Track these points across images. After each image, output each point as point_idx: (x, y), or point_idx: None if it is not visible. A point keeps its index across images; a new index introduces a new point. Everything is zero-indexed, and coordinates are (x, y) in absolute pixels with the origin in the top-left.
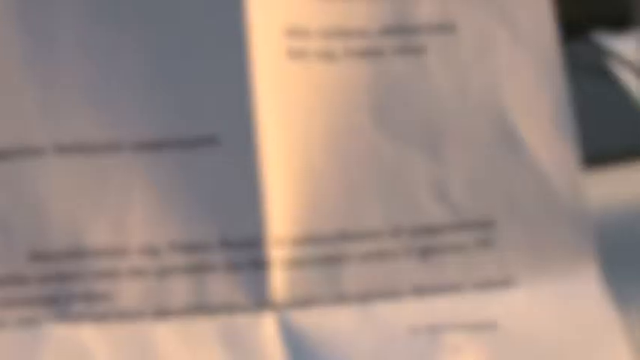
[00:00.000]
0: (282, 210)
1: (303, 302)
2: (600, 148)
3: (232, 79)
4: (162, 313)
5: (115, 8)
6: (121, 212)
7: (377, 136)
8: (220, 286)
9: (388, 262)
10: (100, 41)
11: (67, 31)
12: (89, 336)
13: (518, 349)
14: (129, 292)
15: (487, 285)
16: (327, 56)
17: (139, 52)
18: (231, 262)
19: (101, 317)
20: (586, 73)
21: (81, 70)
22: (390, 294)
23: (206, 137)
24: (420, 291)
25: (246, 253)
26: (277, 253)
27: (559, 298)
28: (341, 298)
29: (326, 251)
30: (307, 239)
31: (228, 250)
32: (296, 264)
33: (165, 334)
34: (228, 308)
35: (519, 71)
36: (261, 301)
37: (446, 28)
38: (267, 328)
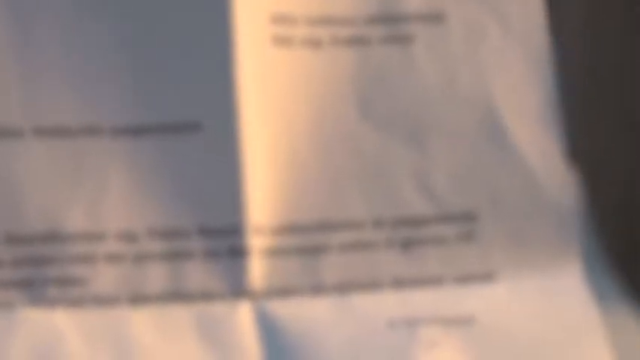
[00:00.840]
0: (263, 198)
1: (281, 292)
2: None
3: (216, 65)
4: (137, 299)
5: None
6: (99, 197)
7: (361, 126)
8: (198, 274)
9: (369, 254)
10: (80, 25)
11: (47, 15)
12: (63, 320)
13: (495, 345)
14: (105, 278)
15: (468, 279)
16: (313, 44)
17: (121, 37)
18: (209, 249)
19: (76, 302)
20: None
21: (61, 53)
22: (370, 286)
23: (187, 123)
24: (400, 283)
25: (224, 241)
26: (256, 241)
27: (540, 295)
28: (319, 289)
29: (306, 241)
30: (287, 228)
31: (207, 237)
32: (275, 253)
33: (140, 321)
34: (205, 296)
35: (508, 64)
36: (238, 290)
37: (434, 18)
38: (243, 317)
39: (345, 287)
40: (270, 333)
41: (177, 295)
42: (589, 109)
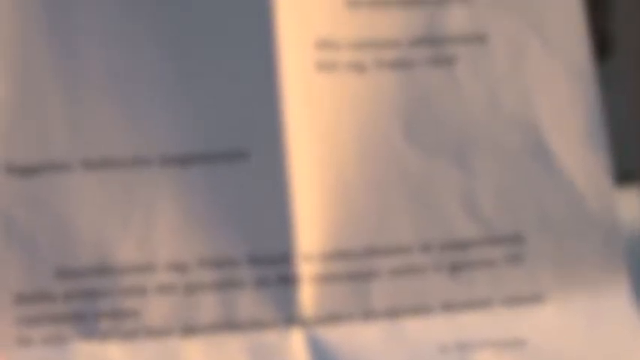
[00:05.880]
0: (312, 225)
1: (332, 318)
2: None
3: (262, 92)
4: (190, 330)
5: (144, 22)
6: (149, 228)
7: (407, 149)
8: (249, 303)
9: (418, 278)
10: (127, 55)
11: (93, 45)
12: (116, 353)
13: None
14: (156, 309)
15: (517, 301)
16: (357, 68)
17: (168, 65)
18: (259, 278)
19: (129, 334)
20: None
21: (108, 84)
22: (420, 310)
23: (235, 151)
24: (450, 307)
25: (274, 269)
26: (306, 268)
27: (589, 316)
28: (370, 314)
29: (355, 267)
30: (336, 254)
31: (257, 266)
32: (325, 280)
33: (193, 351)
34: (257, 324)
35: (552, 82)
36: (289, 317)
37: (477, 38)
38: (295, 344)
39: (395, 312)
40: (322, 359)
41: (229, 325)
42: None
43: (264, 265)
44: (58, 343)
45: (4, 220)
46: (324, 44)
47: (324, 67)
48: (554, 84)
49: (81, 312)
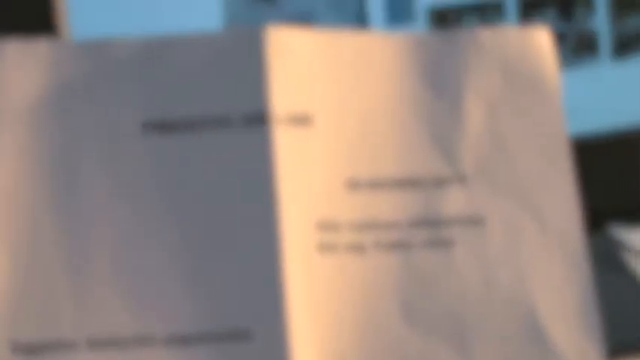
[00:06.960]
0: None
1: None
2: (617, 340)
3: (263, 273)
4: None
5: (147, 202)
6: None
7: (405, 330)
8: None
9: None
10: (132, 235)
11: (99, 224)
12: None
13: None
14: None
15: None
16: (357, 249)
17: (171, 245)
18: None
19: None
20: (601, 265)
21: (114, 263)
22: None
23: (237, 331)
24: None
25: None
26: None
27: None
28: None
29: None
30: None
31: None
32: None
33: None
34: None
35: (547, 265)
36: None
37: (474, 221)
38: None
39: None
40: None
41: None
42: None
43: None
44: None
45: None
46: (325, 226)
47: (325, 248)
48: (549, 266)
49: None
